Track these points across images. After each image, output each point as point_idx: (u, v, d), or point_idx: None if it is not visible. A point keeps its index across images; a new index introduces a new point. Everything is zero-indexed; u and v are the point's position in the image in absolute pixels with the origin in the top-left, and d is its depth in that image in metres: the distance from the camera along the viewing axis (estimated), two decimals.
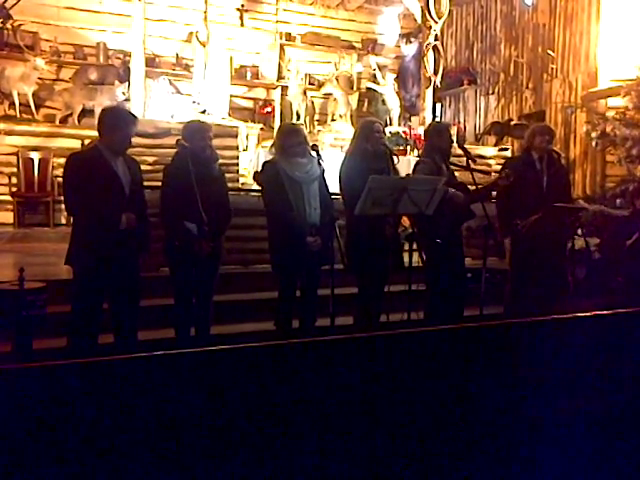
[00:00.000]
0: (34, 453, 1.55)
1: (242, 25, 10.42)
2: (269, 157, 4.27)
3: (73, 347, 3.39)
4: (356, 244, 3.68)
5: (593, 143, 7.90)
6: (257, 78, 10.50)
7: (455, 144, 4.38)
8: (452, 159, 4.27)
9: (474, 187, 4.12)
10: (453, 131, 6.24)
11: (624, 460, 2.26)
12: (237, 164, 7.66)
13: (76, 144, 7.63)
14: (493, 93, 10.86)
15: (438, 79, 9.03)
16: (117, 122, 3.43)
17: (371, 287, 4.04)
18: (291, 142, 3.82)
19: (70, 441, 1.58)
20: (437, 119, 9.37)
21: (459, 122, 11.10)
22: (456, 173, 4.33)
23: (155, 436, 1.67)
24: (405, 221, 5.09)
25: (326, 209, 3.85)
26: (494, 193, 4.36)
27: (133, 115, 3.61)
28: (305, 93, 10.13)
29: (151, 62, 9.07)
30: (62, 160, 7.39)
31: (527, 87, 10.12)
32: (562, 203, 4.27)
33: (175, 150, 3.72)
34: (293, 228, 3.73)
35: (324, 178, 3.89)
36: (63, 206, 7.39)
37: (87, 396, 1.61)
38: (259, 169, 4.33)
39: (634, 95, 7.24)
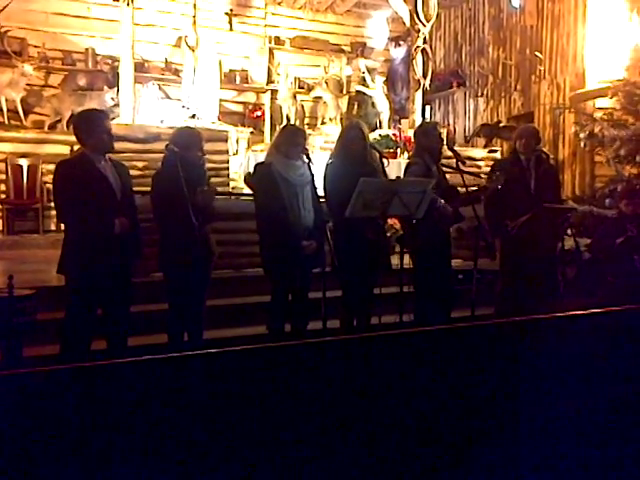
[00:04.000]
0: (26, 459, 1.54)
1: (231, 29, 10.43)
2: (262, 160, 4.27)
3: (66, 354, 3.37)
4: (339, 247, 3.68)
5: (581, 144, 7.92)
6: (246, 82, 10.50)
7: (445, 146, 4.39)
8: (442, 161, 4.28)
9: (464, 190, 4.14)
10: (443, 131, 6.23)
11: (620, 458, 2.27)
12: (227, 168, 7.65)
13: (65, 150, 7.59)
14: (482, 95, 10.91)
15: (427, 82, 9.07)
16: (89, 122, 3.44)
17: (355, 290, 4.05)
18: (292, 143, 3.83)
19: (62, 447, 1.58)
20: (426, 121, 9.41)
21: (448, 124, 11.15)
22: (447, 175, 4.35)
23: (148, 441, 1.66)
24: (396, 223, 5.10)
25: (318, 213, 3.86)
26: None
27: (102, 111, 3.65)
28: (295, 97, 10.14)
29: (140, 67, 9.05)
30: (51, 166, 7.35)
31: (515, 89, 10.18)
32: (551, 203, 4.29)
33: (164, 155, 3.71)
34: (288, 231, 3.73)
35: (314, 182, 3.90)
36: (53, 212, 7.50)
37: (79, 402, 1.60)
38: (250, 171, 4.34)
39: (621, 96, 7.28)
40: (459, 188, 4.28)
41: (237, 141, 8.83)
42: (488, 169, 5.40)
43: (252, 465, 1.77)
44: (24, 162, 7.60)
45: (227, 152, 7.81)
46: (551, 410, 2.23)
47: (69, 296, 3.43)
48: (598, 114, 7.76)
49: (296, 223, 3.75)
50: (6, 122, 8.28)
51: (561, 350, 2.24)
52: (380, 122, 10.10)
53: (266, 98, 10.49)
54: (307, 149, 3.93)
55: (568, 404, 2.26)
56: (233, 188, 7.60)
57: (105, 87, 8.85)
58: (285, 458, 1.82)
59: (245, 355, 1.85)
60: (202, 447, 1.72)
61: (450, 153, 4.27)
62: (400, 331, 2.27)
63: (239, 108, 10.58)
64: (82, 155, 3.45)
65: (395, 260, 4.13)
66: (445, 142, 4.48)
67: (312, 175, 3.86)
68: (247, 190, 6.69)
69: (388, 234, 5.51)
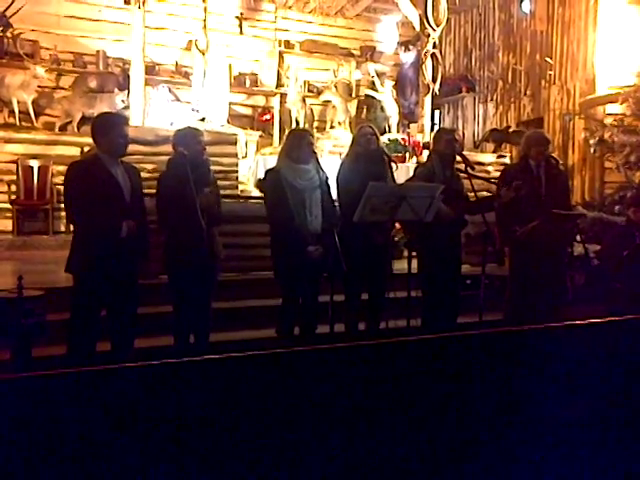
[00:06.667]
0: (33, 462, 1.55)
1: (241, 33, 10.47)
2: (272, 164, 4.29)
3: (72, 355, 3.39)
4: (347, 251, 3.68)
5: (591, 150, 7.92)
6: (256, 85, 10.53)
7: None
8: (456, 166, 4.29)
9: (472, 195, 4.13)
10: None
11: (623, 466, 2.26)
12: (236, 171, 7.67)
13: (75, 152, 7.64)
14: (491, 100, 10.89)
15: (436, 86, 9.06)
16: (108, 124, 3.47)
17: (360, 294, 4.05)
18: (300, 146, 3.84)
19: (70, 450, 1.58)
20: (436, 126, 9.41)
21: (457, 129, 11.13)
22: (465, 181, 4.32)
23: (155, 444, 1.67)
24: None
25: (328, 217, 3.86)
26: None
27: (122, 115, 3.68)
28: (304, 100, 10.16)
29: (150, 70, 9.10)
30: (62, 168, 7.45)
31: (525, 94, 10.15)
32: (561, 209, 4.27)
33: (170, 157, 3.73)
34: (294, 236, 3.74)
35: (327, 185, 3.90)
36: (63, 214, 7.54)
37: (86, 405, 1.61)
38: (260, 176, 4.36)
39: (632, 102, 7.27)
40: (469, 193, 4.28)
41: (246, 144, 8.86)
42: (498, 174, 5.38)
43: (256, 471, 1.78)
44: (35, 163, 7.65)
45: (236, 155, 7.82)
46: (557, 417, 2.22)
47: (75, 296, 3.46)
48: (608, 120, 7.75)
49: (302, 229, 3.75)
50: (17, 123, 8.34)
51: (570, 357, 2.23)
52: (389, 126, 10.10)
53: (275, 101, 10.51)
54: (316, 152, 3.94)
55: (575, 411, 2.25)
56: (242, 191, 7.62)
57: (116, 89, 8.91)
58: (287, 460, 1.82)
59: (248, 361, 1.85)
60: (206, 451, 1.72)
61: (459, 158, 4.28)
62: (408, 338, 2.27)
63: (248, 111, 10.61)
64: (94, 157, 3.49)
65: (403, 264, 4.13)
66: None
67: (322, 178, 3.86)
68: (255, 193, 6.72)
69: (396, 239, 5.51)
